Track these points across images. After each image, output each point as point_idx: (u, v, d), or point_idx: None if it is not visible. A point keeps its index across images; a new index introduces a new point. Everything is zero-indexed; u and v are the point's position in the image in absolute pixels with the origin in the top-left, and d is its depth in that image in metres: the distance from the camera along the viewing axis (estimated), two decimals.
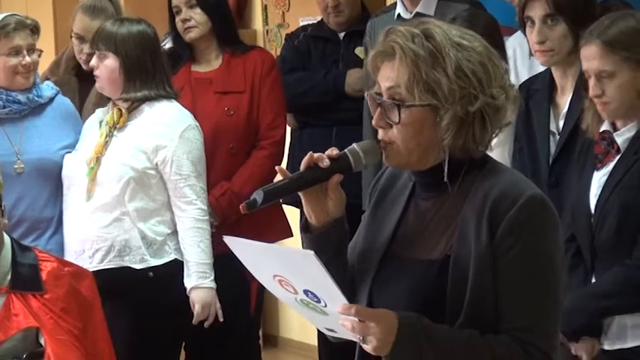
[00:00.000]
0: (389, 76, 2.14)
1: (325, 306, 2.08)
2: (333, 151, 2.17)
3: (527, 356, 2.07)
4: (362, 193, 4.05)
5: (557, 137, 3.44)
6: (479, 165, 2.18)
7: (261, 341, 4.92)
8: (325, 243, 2.18)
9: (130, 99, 3.93)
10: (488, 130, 2.15)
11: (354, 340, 2.12)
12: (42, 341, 3.33)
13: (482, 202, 2.11)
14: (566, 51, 3.40)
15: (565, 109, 3.43)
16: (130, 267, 3.87)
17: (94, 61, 3.95)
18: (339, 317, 2.05)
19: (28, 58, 3.99)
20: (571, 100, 3.41)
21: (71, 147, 4.05)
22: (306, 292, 2.08)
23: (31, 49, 4.01)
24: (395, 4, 4.43)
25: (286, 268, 2.08)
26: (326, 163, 2.15)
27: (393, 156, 2.16)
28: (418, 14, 4.26)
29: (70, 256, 3.88)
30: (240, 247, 2.16)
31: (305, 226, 2.23)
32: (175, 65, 4.35)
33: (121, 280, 3.84)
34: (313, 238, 2.19)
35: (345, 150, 2.18)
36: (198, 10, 4.32)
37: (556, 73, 3.48)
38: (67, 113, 4.16)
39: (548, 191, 3.40)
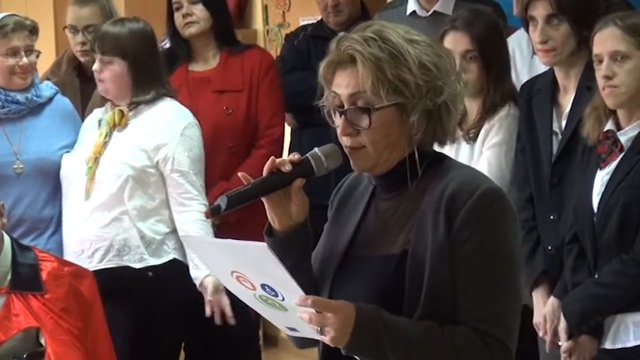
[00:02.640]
0: (349, 84, 2.14)
1: (283, 300, 2.07)
2: (295, 156, 2.18)
3: (484, 346, 2.07)
4: None
5: (560, 137, 3.44)
6: (437, 162, 2.20)
7: (261, 341, 4.92)
8: (289, 247, 2.18)
9: (141, 102, 3.93)
10: (454, 118, 2.18)
11: (314, 337, 2.10)
12: (42, 341, 3.33)
13: (439, 196, 2.12)
14: (568, 51, 3.40)
15: (567, 109, 3.42)
16: (129, 266, 3.86)
17: (96, 66, 3.91)
18: (298, 310, 2.04)
19: (25, 59, 3.97)
20: (573, 100, 3.41)
21: (70, 147, 4.04)
22: (263, 286, 2.07)
23: (29, 50, 4.00)
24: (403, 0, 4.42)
25: (242, 263, 2.07)
26: (288, 167, 2.16)
27: (362, 160, 2.17)
28: (435, 13, 4.25)
29: (69, 257, 3.87)
30: (197, 245, 2.18)
31: (268, 231, 2.23)
32: (172, 65, 4.35)
33: (120, 280, 3.83)
34: (277, 242, 2.19)
35: (307, 154, 2.19)
36: (200, 6, 4.31)
37: (559, 74, 3.48)
38: (65, 113, 4.15)
39: (549, 191, 3.41)
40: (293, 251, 2.18)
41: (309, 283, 2.17)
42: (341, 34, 4.71)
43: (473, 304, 2.08)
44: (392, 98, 2.11)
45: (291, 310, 2.06)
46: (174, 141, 3.91)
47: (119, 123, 3.92)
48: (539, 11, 3.42)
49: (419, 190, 2.16)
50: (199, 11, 4.31)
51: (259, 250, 1.99)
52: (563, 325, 3.24)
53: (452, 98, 2.15)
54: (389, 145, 2.14)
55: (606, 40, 3.11)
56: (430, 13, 4.27)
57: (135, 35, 3.94)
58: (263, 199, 2.19)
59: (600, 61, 3.12)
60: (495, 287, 2.09)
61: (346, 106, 2.15)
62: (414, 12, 4.31)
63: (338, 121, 2.16)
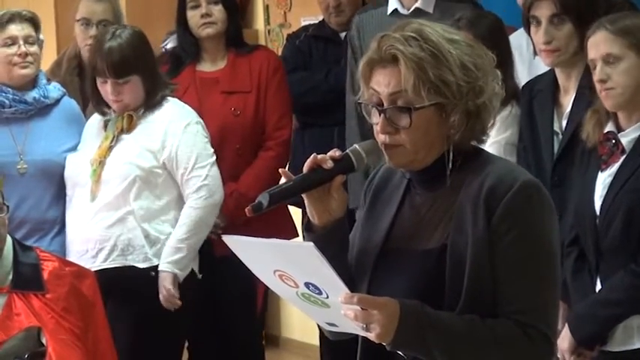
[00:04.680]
0: (389, 82, 2.14)
1: (327, 297, 2.08)
2: (336, 152, 2.19)
3: (527, 338, 2.09)
4: None
5: (561, 137, 3.44)
6: (473, 156, 2.20)
7: (263, 341, 4.92)
8: (328, 242, 2.18)
9: (152, 106, 3.94)
10: (492, 118, 2.19)
11: (356, 332, 2.12)
12: (44, 341, 3.33)
13: (477, 189, 2.13)
14: (571, 51, 3.40)
15: (568, 109, 3.42)
16: (133, 266, 3.87)
17: (112, 90, 3.88)
18: (341, 308, 2.06)
19: (23, 48, 3.96)
20: (574, 101, 3.41)
21: (76, 149, 4.04)
22: (307, 284, 2.09)
23: (29, 42, 3.99)
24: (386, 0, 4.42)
25: (286, 262, 2.09)
26: (329, 164, 2.17)
27: (399, 157, 2.18)
28: (417, 10, 4.25)
29: (72, 256, 3.87)
30: (240, 245, 2.17)
31: (308, 226, 2.25)
32: (179, 65, 4.35)
33: (124, 279, 3.84)
34: (317, 238, 2.19)
35: (347, 150, 2.20)
36: (219, 7, 4.29)
37: (560, 74, 3.48)
38: (72, 115, 4.15)
39: (551, 191, 3.40)
40: (332, 245, 2.18)
41: (346, 276, 2.17)
42: (342, 34, 4.82)
43: (514, 297, 2.09)
44: (433, 98, 2.12)
45: (334, 307, 2.08)
46: (177, 140, 3.91)
47: (128, 128, 3.92)
48: (543, 11, 3.42)
49: (455, 184, 2.17)
50: (218, 12, 4.30)
51: (306, 249, 2.01)
52: (566, 344, 3.23)
53: (491, 98, 2.16)
54: (427, 143, 2.16)
55: (598, 44, 3.10)
56: (411, 10, 4.26)
57: (136, 45, 3.93)
58: (303, 196, 2.20)
59: (595, 67, 3.12)
60: (536, 279, 2.11)
61: (386, 105, 2.15)
62: (395, 10, 4.31)
63: (376, 119, 2.17)
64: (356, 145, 2.21)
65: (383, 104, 2.16)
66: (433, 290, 2.11)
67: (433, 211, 2.20)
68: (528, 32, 3.51)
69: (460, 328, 2.07)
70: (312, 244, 2.00)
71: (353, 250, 2.28)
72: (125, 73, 3.88)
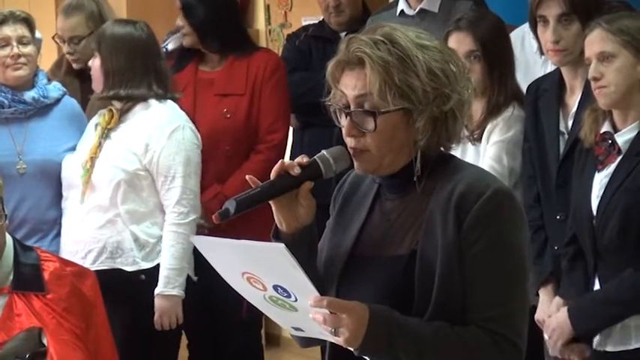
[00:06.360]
0: (356, 85, 2.13)
1: (295, 300, 2.06)
2: (304, 159, 2.18)
3: (495, 346, 2.08)
4: None
5: (566, 137, 3.44)
6: (444, 163, 2.19)
7: (263, 341, 4.91)
8: (296, 249, 2.13)
9: (107, 97, 3.92)
10: (460, 125, 2.17)
11: (322, 337, 2.11)
12: (44, 341, 3.33)
13: (448, 195, 2.12)
14: (579, 50, 3.38)
15: (574, 109, 3.43)
16: (121, 269, 3.86)
17: (91, 61, 3.97)
18: (310, 311, 2.04)
19: (15, 49, 3.95)
20: (580, 100, 3.41)
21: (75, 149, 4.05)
22: (275, 287, 2.06)
23: (23, 43, 3.98)
24: (396, 1, 4.44)
25: (256, 264, 2.07)
26: (297, 170, 2.16)
27: (366, 162, 2.17)
28: (422, 10, 4.27)
29: (65, 257, 3.84)
30: (208, 245, 2.15)
31: (275, 233, 2.23)
32: (182, 62, 4.35)
33: (112, 282, 3.78)
34: (285, 245, 2.14)
35: (315, 157, 2.19)
36: (187, 21, 4.34)
37: (566, 74, 3.49)
38: (72, 115, 4.14)
39: (556, 191, 3.41)
40: (300, 252, 2.14)
41: (316, 283, 2.14)
42: (342, 34, 4.81)
43: (483, 305, 2.08)
44: (398, 103, 2.10)
45: (302, 311, 2.06)
46: (160, 145, 3.88)
47: (109, 123, 3.91)
48: (552, 10, 3.42)
49: (426, 190, 2.16)
50: (187, 26, 4.33)
51: (276, 250, 1.99)
52: (565, 334, 3.23)
53: (459, 105, 2.14)
54: (393, 148, 2.14)
55: (593, 42, 3.12)
56: (417, 11, 4.28)
57: (117, 34, 3.93)
58: (271, 202, 2.18)
59: (591, 61, 3.13)
60: (505, 288, 2.10)
61: (352, 108, 2.14)
62: (402, 11, 4.33)
63: (343, 122, 2.16)
64: (324, 151, 2.19)
65: (350, 106, 2.14)
66: (402, 297, 2.10)
67: (403, 217, 2.19)
68: (535, 31, 3.51)
69: (429, 334, 2.05)
70: (283, 245, 1.98)
71: (321, 257, 2.27)
72: (94, 43, 3.95)
